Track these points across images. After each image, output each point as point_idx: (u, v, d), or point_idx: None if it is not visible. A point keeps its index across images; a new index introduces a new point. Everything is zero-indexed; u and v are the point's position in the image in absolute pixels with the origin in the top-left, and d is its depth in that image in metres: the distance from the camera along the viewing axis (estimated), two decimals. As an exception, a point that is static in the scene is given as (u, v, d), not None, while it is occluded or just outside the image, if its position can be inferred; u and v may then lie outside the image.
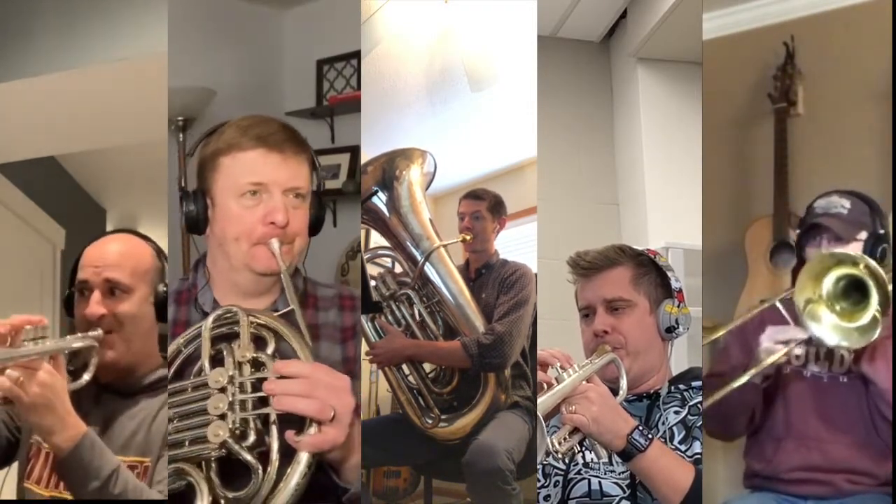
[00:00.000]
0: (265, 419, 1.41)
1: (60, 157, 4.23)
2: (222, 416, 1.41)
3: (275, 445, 1.40)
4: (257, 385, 1.42)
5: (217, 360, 1.47)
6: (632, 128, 3.25)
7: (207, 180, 1.57)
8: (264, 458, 1.41)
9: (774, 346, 1.75)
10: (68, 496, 1.64)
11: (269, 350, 1.46)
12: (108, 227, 4.74)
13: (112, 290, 1.71)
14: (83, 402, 1.57)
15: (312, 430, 1.37)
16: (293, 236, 1.56)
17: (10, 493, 1.76)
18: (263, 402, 1.41)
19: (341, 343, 1.62)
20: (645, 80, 3.21)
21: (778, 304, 1.81)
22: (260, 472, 1.40)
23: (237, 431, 1.41)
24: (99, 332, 1.66)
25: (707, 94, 2.65)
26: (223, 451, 1.42)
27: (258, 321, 1.49)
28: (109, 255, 1.73)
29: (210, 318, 1.50)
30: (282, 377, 1.39)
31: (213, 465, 1.44)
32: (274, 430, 1.41)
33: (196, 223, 1.58)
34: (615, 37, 3.38)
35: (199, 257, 1.67)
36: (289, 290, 1.50)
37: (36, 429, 1.57)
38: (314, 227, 1.63)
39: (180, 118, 3.03)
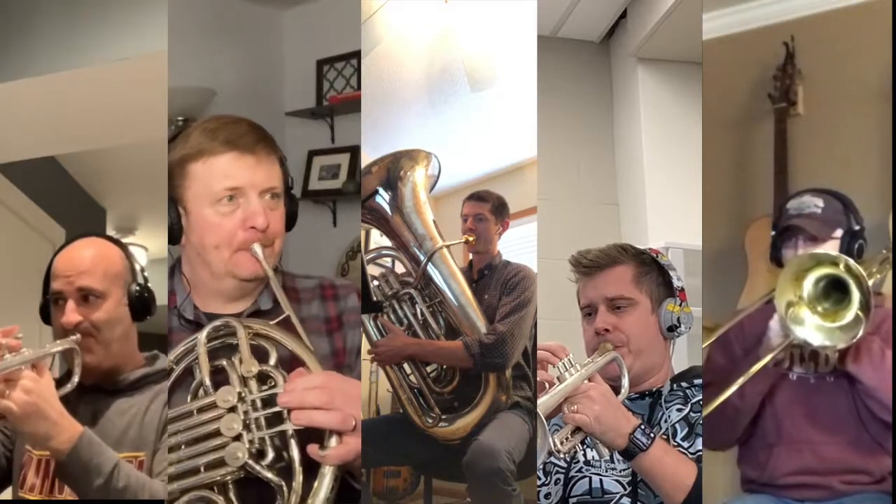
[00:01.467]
0: (282, 434, 1.38)
1: (60, 157, 4.22)
2: (237, 437, 1.37)
3: (296, 460, 1.37)
4: (268, 400, 1.39)
5: (216, 374, 1.43)
6: (632, 128, 3.26)
7: (178, 188, 1.53)
8: (284, 473, 1.38)
9: (778, 338, 1.75)
10: (64, 499, 1.65)
11: (272, 361, 1.43)
12: (108, 227, 4.74)
13: (86, 296, 1.71)
14: (68, 403, 1.58)
15: (334, 441, 1.35)
16: (273, 238, 1.53)
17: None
18: (278, 416, 1.38)
19: (328, 335, 1.59)
20: (645, 80, 3.22)
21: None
22: (285, 489, 1.37)
23: (255, 451, 1.37)
24: (77, 336, 1.67)
25: (707, 94, 2.65)
26: (241, 473, 1.38)
27: (256, 331, 1.45)
28: (80, 262, 1.73)
29: (204, 333, 1.46)
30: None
31: (232, 487, 1.39)
32: (293, 444, 1.37)
33: (171, 233, 1.54)
34: (615, 37, 3.38)
35: (172, 263, 1.63)
36: (281, 296, 1.48)
37: (32, 438, 1.57)
38: (289, 223, 1.60)
39: (180, 118, 3.03)
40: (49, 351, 1.60)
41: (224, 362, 1.44)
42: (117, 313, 1.74)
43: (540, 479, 1.70)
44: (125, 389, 1.74)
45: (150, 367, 1.78)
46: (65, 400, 1.55)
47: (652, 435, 1.48)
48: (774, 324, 1.78)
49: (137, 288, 1.76)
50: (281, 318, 1.47)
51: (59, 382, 1.63)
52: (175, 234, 1.54)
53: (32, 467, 1.70)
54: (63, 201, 4.34)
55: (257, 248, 1.49)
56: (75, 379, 1.65)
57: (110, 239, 1.83)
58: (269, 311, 1.55)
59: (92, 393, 1.72)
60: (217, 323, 1.47)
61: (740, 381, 1.74)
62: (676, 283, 1.73)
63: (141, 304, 1.77)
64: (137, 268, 1.81)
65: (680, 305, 1.71)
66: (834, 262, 1.71)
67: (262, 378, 1.42)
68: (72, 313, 1.69)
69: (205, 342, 1.45)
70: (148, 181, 3.59)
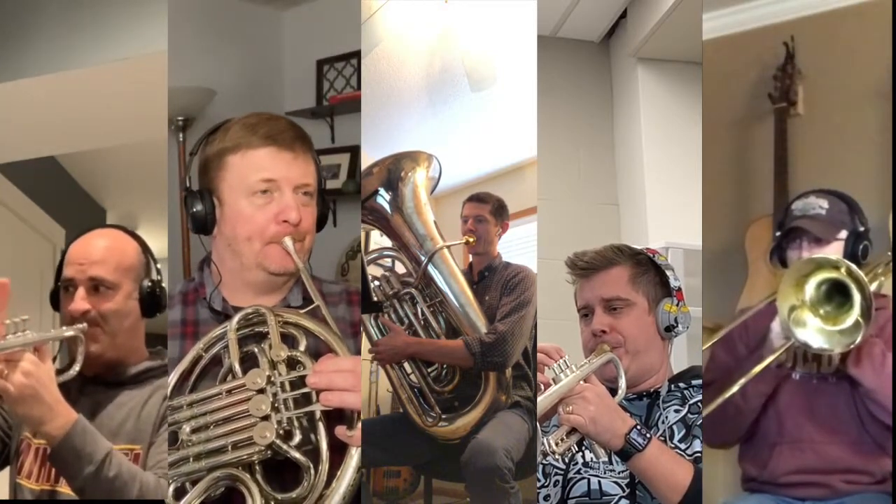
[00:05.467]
0: (310, 416, 1.41)
1: (60, 157, 4.22)
2: (265, 418, 1.40)
3: (324, 442, 1.40)
4: (296, 383, 1.42)
5: (245, 362, 1.46)
6: (632, 128, 3.25)
7: (213, 179, 1.57)
8: (311, 455, 1.41)
9: (781, 340, 1.76)
10: (58, 489, 1.65)
11: (302, 347, 1.46)
12: (107, 227, 4.74)
13: (97, 286, 1.72)
14: (69, 393, 1.59)
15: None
16: (304, 234, 1.56)
17: (3, 489, 1.77)
18: (306, 399, 1.41)
19: (352, 337, 1.61)
20: (645, 80, 3.21)
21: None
22: (311, 470, 1.40)
23: (283, 431, 1.40)
24: (84, 325, 1.68)
25: (707, 94, 2.65)
26: (269, 452, 1.41)
27: (286, 319, 1.48)
28: (94, 251, 1.74)
29: (235, 321, 1.49)
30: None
31: (258, 467, 1.42)
32: (321, 426, 1.41)
33: (203, 223, 1.57)
34: (615, 37, 3.38)
35: (204, 256, 1.65)
36: (310, 286, 1.50)
37: (26, 420, 1.58)
38: (318, 225, 1.63)
39: (180, 118, 3.04)
40: (53, 335, 1.61)
41: (255, 348, 1.47)
42: (126, 306, 1.75)
43: (539, 480, 1.70)
44: (127, 382, 1.75)
45: (153, 361, 1.78)
46: (65, 390, 1.56)
47: (648, 435, 1.48)
48: (776, 325, 1.79)
49: (150, 284, 1.77)
50: (309, 308, 1.50)
51: (61, 371, 1.63)
52: (209, 225, 1.57)
53: (31, 454, 1.70)
54: (63, 201, 4.34)
55: (288, 241, 1.52)
56: (76, 367, 1.65)
57: (129, 233, 1.83)
58: (298, 307, 1.57)
59: (93, 384, 1.73)
60: (248, 310, 1.50)
61: (742, 381, 1.75)
62: (673, 283, 1.72)
63: (151, 300, 1.77)
64: (152, 264, 1.81)
65: (677, 305, 1.70)
66: (835, 266, 1.71)
67: (291, 364, 1.45)
68: (81, 301, 1.70)
69: (235, 328, 1.48)
70: (148, 181, 3.60)
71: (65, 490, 1.64)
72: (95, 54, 2.78)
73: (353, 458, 1.38)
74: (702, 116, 2.60)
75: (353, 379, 1.38)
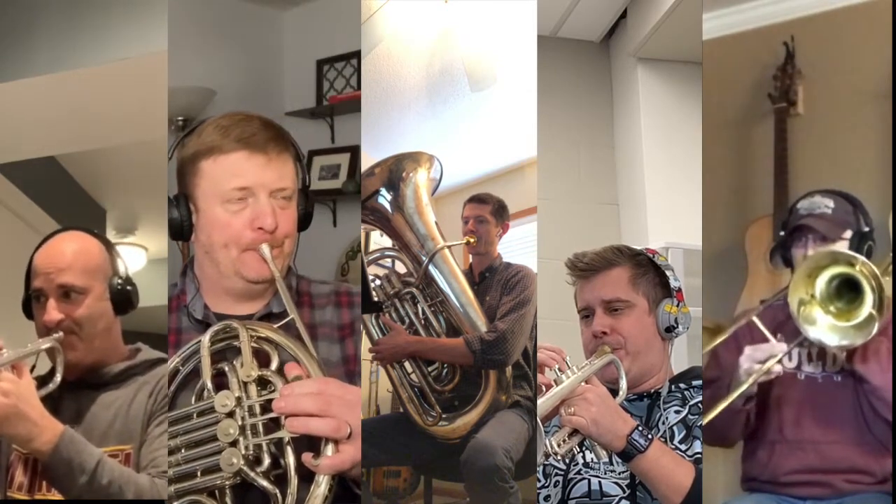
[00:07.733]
0: (279, 440, 1.35)
1: (60, 157, 4.22)
2: (233, 443, 1.35)
3: (292, 468, 1.34)
4: (267, 406, 1.36)
5: (219, 377, 1.42)
6: (632, 128, 3.26)
7: (189, 185, 1.52)
8: (281, 481, 1.35)
9: (753, 365, 1.76)
10: (52, 497, 1.64)
11: (274, 365, 1.40)
12: (108, 227, 4.74)
13: (67, 293, 1.70)
14: (52, 400, 1.58)
15: (329, 450, 1.31)
16: (283, 238, 1.51)
17: (-4, 505, 1.76)
18: (276, 422, 1.35)
19: (340, 341, 1.57)
20: (645, 80, 3.21)
21: (755, 320, 1.81)
22: (279, 497, 1.34)
23: (251, 457, 1.35)
24: (60, 334, 1.66)
25: (707, 94, 2.65)
26: (237, 478, 1.36)
27: (259, 335, 1.43)
28: (59, 258, 1.72)
29: (207, 336, 1.43)
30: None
31: (228, 492, 1.38)
32: (289, 451, 1.35)
33: (180, 230, 1.52)
34: (615, 37, 3.39)
35: (186, 262, 1.61)
36: (286, 299, 1.45)
37: (13, 440, 1.56)
38: (303, 223, 1.58)
39: (180, 118, 3.03)
40: (30, 351, 1.60)
41: (226, 367, 1.42)
42: (99, 308, 1.73)
43: (539, 480, 1.70)
44: (109, 382, 1.73)
45: (133, 359, 1.77)
46: (48, 397, 1.55)
47: (649, 436, 1.48)
48: (771, 336, 1.79)
49: (119, 281, 1.75)
50: (287, 320, 1.45)
51: (43, 380, 1.62)
52: (185, 232, 1.53)
53: (20, 466, 1.69)
54: (63, 201, 4.34)
55: (265, 249, 1.47)
56: (58, 378, 1.65)
57: (89, 232, 1.81)
58: (281, 314, 1.52)
59: (76, 388, 1.71)
60: (217, 326, 1.45)
61: (740, 389, 1.75)
62: (673, 284, 1.72)
63: (122, 297, 1.75)
64: (118, 261, 1.79)
65: (677, 306, 1.70)
66: (850, 263, 1.71)
67: (263, 383, 1.39)
68: (53, 311, 1.68)
69: (208, 345, 1.43)
70: (148, 181, 3.60)
71: (56, 498, 1.62)
72: (96, 54, 2.78)
73: (321, 485, 1.32)
74: (702, 116, 2.60)
75: (320, 403, 1.31)
